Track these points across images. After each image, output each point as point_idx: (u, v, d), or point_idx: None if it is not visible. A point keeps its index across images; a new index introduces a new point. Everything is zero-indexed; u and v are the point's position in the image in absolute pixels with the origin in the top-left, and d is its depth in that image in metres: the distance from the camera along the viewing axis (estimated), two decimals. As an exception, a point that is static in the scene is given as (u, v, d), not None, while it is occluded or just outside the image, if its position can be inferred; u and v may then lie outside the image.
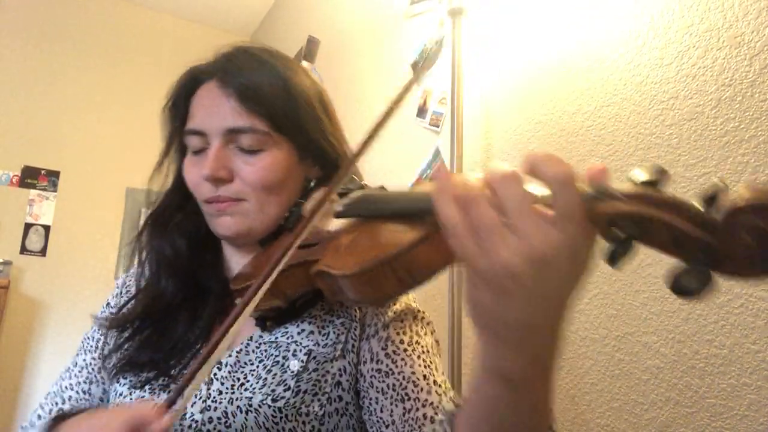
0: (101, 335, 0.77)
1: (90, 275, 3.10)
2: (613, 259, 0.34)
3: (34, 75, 3.13)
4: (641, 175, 0.35)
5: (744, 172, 0.87)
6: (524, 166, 0.36)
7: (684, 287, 0.33)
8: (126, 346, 0.70)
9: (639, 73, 1.07)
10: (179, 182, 0.75)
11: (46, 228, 3.05)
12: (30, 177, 3.05)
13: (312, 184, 0.73)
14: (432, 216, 0.44)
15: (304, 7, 2.85)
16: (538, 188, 0.36)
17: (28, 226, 3.01)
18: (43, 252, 3.02)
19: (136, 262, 0.78)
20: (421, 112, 1.71)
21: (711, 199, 0.33)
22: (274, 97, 0.69)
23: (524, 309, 0.35)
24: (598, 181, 0.36)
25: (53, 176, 3.11)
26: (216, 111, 0.68)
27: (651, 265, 0.99)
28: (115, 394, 0.68)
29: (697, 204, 0.34)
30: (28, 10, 3.17)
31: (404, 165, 1.74)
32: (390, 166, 1.81)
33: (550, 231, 0.34)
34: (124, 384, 0.67)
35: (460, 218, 0.36)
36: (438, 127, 1.63)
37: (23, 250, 2.98)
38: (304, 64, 2.60)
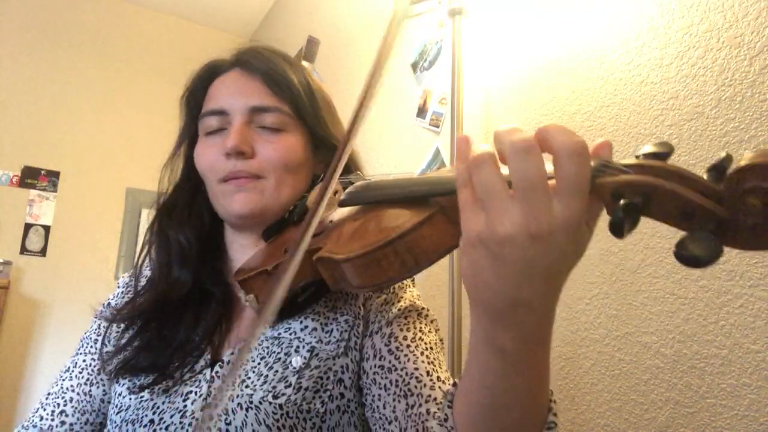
0: (99, 335, 0.76)
1: (90, 275, 3.10)
2: (618, 227, 0.32)
3: (34, 75, 3.13)
4: (647, 148, 0.35)
5: (744, 172, 0.87)
6: (536, 136, 0.35)
7: (691, 254, 0.31)
8: (127, 349, 0.69)
9: (639, 73, 1.07)
10: (189, 175, 0.76)
11: (46, 228, 3.05)
12: (30, 177, 3.06)
13: (320, 180, 0.75)
14: (436, 198, 0.45)
15: (304, 7, 2.85)
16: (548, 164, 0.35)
17: (28, 226, 3.02)
18: (43, 252, 3.02)
19: (141, 257, 0.78)
20: (421, 112, 1.71)
21: (717, 170, 0.33)
22: (296, 84, 0.72)
23: (517, 280, 0.34)
24: (603, 154, 0.36)
25: (53, 176, 3.11)
26: (240, 91, 0.70)
27: (651, 265, 0.99)
28: (116, 395, 0.68)
29: (706, 176, 0.33)
30: (28, 11, 3.17)
31: (404, 165, 1.74)
32: (390, 167, 1.81)
33: (554, 205, 0.33)
34: (124, 385, 0.67)
35: (469, 178, 0.36)
36: (438, 127, 1.63)
37: (23, 250, 2.98)
38: (304, 64, 2.60)
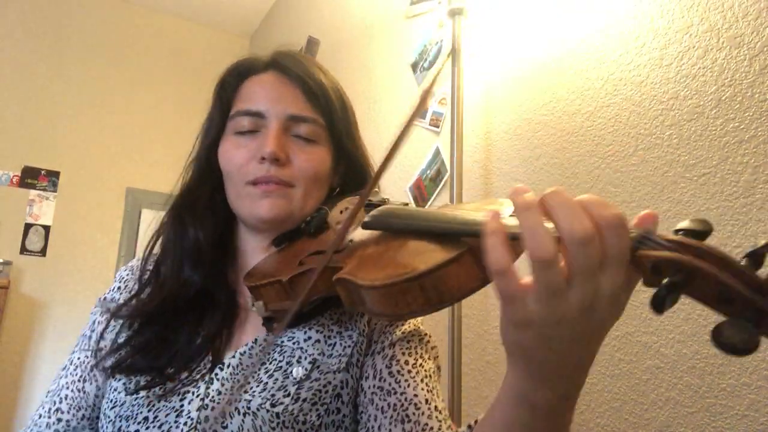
0: (92, 331, 0.75)
1: (90, 275, 3.10)
2: (660, 305, 0.33)
3: (34, 75, 3.14)
4: (686, 224, 0.35)
5: (744, 172, 0.87)
6: (578, 204, 0.34)
7: (728, 341, 0.32)
8: (124, 348, 0.68)
9: (639, 73, 1.07)
10: (208, 171, 0.74)
11: (46, 228, 3.06)
12: (30, 177, 3.06)
13: (335, 192, 0.76)
14: (465, 238, 0.44)
15: (304, 7, 2.85)
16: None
17: (28, 226, 3.02)
18: (43, 252, 3.03)
19: (151, 245, 0.75)
20: (421, 112, 1.71)
21: (757, 256, 0.33)
22: (332, 98, 0.72)
23: (565, 351, 0.36)
24: (647, 225, 0.36)
25: (53, 176, 3.11)
26: (279, 96, 0.70)
27: (651, 265, 0.99)
28: (111, 389, 0.67)
29: (744, 261, 0.33)
30: (28, 11, 3.17)
31: (404, 165, 1.74)
32: (390, 166, 1.81)
33: (601, 279, 0.34)
34: (120, 380, 0.66)
35: (512, 265, 0.35)
36: (438, 127, 1.63)
37: (23, 250, 2.98)
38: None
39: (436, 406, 0.61)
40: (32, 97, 3.11)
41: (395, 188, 1.76)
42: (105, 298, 0.79)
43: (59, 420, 0.70)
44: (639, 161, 1.04)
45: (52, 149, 3.12)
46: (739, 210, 0.87)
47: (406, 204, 0.64)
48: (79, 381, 0.73)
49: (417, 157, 1.69)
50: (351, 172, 0.76)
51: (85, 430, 0.71)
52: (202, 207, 0.74)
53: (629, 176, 1.06)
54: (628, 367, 1.00)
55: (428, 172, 1.64)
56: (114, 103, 3.31)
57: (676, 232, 0.36)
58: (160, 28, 3.54)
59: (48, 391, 0.74)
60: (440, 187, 1.58)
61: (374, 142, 1.95)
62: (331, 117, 0.71)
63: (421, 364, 0.66)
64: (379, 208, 0.58)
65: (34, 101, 3.11)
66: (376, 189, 0.71)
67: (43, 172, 3.09)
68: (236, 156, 0.69)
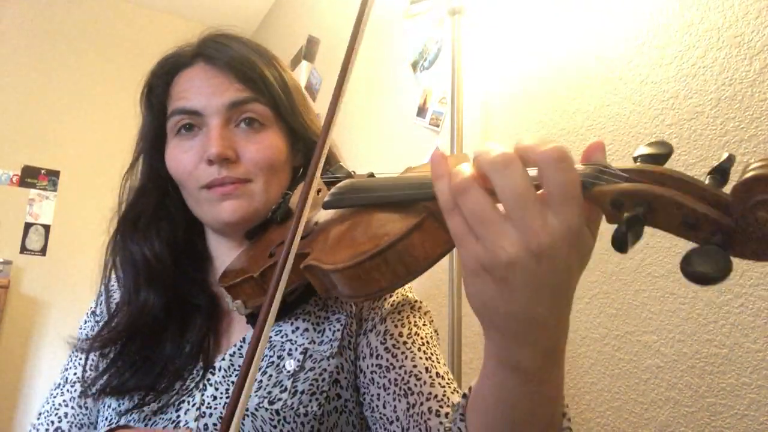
0: (80, 364, 0.72)
1: (90, 275, 3.05)
2: (621, 242, 0.30)
3: (35, 75, 3.13)
4: (643, 149, 0.33)
5: (744, 171, 0.87)
6: (515, 153, 0.33)
7: (698, 272, 0.29)
8: (109, 372, 0.65)
9: (639, 72, 1.07)
10: (153, 178, 0.71)
11: (46, 228, 3.05)
12: (30, 177, 3.06)
13: (299, 173, 0.72)
14: (424, 202, 0.42)
15: (304, 7, 2.85)
16: (532, 172, 0.32)
17: (28, 226, 3.02)
18: (43, 251, 3.02)
19: (104, 278, 0.72)
20: (421, 112, 1.71)
21: (720, 172, 0.31)
22: (269, 77, 0.67)
23: (527, 301, 0.33)
24: (596, 158, 0.34)
25: (53, 176, 3.11)
26: (212, 89, 0.65)
27: (651, 264, 0.99)
28: (105, 407, 0.65)
29: (708, 180, 0.31)
30: (28, 10, 3.17)
31: (404, 165, 1.74)
32: (390, 166, 1.81)
33: (549, 218, 0.31)
34: (114, 399, 0.64)
35: (455, 206, 0.34)
36: (438, 127, 1.63)
37: (23, 249, 2.98)
38: (304, 64, 2.60)
39: (437, 372, 0.60)
40: (32, 97, 3.11)
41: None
42: (93, 312, 0.77)
43: None
44: (639, 161, 1.04)
45: (52, 149, 3.12)
46: (739, 209, 0.87)
47: (372, 175, 0.62)
48: (80, 397, 0.70)
49: (417, 156, 1.69)
50: (306, 150, 0.72)
51: None
52: (148, 221, 0.71)
53: (629, 176, 1.06)
54: (628, 367, 1.00)
55: (414, 169, 1.64)
56: (114, 102, 3.31)
57: (635, 159, 0.34)
58: (159, 27, 3.54)
59: (39, 414, 0.71)
60: (440, 186, 1.58)
61: (374, 142, 1.95)
62: (273, 95, 0.67)
63: (416, 333, 0.64)
64: (337, 185, 0.56)
65: (34, 101, 3.11)
66: (341, 164, 0.68)
67: (43, 171, 3.09)
68: (183, 161, 0.66)
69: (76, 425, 0.69)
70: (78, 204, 3.15)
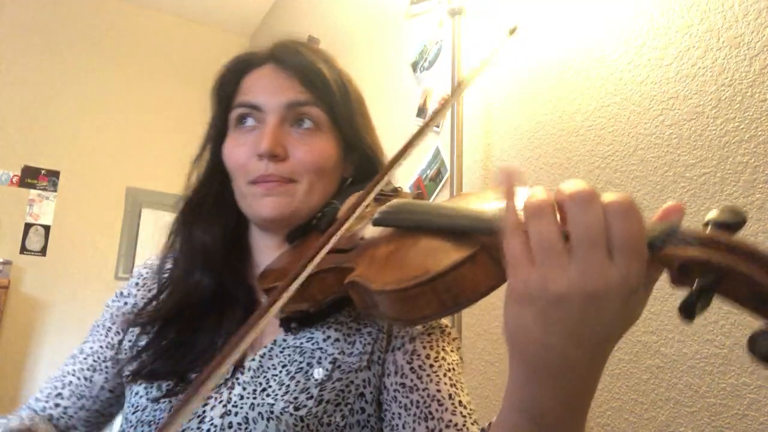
0: (119, 331, 0.74)
1: (90, 275, 3.10)
2: (690, 311, 0.30)
3: (34, 75, 3.13)
4: (716, 215, 0.32)
5: (744, 172, 0.87)
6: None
7: (766, 352, 0.29)
8: (143, 355, 0.67)
9: (639, 73, 1.07)
10: (217, 169, 0.73)
11: (46, 228, 3.05)
12: (30, 177, 3.06)
13: (347, 183, 0.73)
14: (480, 235, 0.41)
15: (304, 7, 2.85)
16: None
17: (28, 226, 3.02)
18: (43, 252, 3.02)
19: (165, 249, 0.74)
20: (421, 112, 1.71)
21: None
22: (332, 85, 0.70)
23: (567, 341, 0.33)
24: (673, 218, 0.33)
25: (53, 176, 3.11)
26: (275, 87, 0.68)
27: (651, 264, 0.99)
28: (132, 394, 0.66)
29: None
30: (29, 11, 3.17)
31: (404, 165, 1.74)
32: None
33: (611, 266, 0.31)
34: (141, 384, 0.65)
35: (522, 228, 0.34)
36: (438, 127, 1.63)
37: (23, 249, 2.98)
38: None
39: (460, 401, 0.59)
40: (32, 97, 3.11)
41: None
42: (122, 293, 0.78)
43: (57, 405, 0.70)
44: (639, 161, 1.04)
45: (52, 149, 3.12)
46: (739, 210, 0.87)
47: (419, 195, 0.62)
48: (87, 369, 0.72)
49: (417, 157, 1.69)
50: (364, 162, 0.74)
51: (78, 423, 0.71)
52: (209, 208, 0.73)
53: (629, 176, 1.06)
54: (628, 367, 1.01)
55: (428, 171, 1.64)
56: (114, 102, 3.31)
57: (706, 224, 0.33)
58: (160, 27, 3.54)
59: (50, 378, 0.73)
60: (440, 186, 1.58)
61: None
62: (332, 105, 0.69)
63: (443, 357, 0.64)
64: (390, 203, 0.56)
65: (34, 101, 3.11)
66: (390, 180, 0.68)
67: (43, 171, 3.09)
68: (237, 154, 0.68)
69: (76, 395, 0.71)
70: (78, 204, 3.15)
